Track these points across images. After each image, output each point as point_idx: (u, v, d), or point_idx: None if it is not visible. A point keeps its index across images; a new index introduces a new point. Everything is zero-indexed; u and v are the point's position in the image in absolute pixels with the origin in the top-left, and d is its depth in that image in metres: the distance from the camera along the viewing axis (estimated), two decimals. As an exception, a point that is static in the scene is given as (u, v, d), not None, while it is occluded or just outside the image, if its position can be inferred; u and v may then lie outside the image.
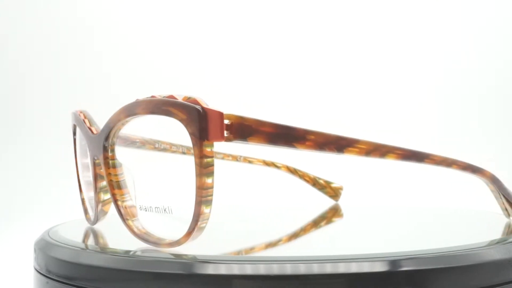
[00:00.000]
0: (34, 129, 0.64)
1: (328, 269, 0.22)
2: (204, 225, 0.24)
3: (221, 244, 0.28)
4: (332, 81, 0.65)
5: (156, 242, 0.25)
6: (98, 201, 0.30)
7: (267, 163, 0.41)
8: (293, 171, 0.42)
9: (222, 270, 0.22)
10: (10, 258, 0.54)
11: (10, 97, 0.65)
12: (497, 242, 0.25)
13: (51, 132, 0.63)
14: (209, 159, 0.23)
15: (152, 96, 0.24)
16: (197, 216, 0.23)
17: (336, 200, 0.42)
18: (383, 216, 0.37)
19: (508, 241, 0.25)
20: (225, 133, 0.23)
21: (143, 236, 0.26)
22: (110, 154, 0.27)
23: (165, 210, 0.25)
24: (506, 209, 0.32)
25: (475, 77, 0.65)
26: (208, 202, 0.23)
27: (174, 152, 0.34)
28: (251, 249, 0.27)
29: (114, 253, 0.25)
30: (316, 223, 0.36)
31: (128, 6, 0.66)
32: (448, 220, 0.36)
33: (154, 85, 0.65)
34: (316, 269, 0.22)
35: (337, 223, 0.37)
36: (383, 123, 0.64)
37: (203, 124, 0.23)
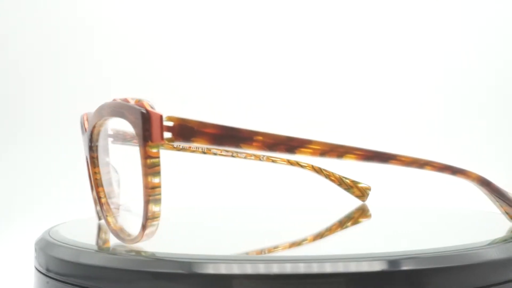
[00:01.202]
0: (34, 129, 0.64)
1: (328, 268, 0.22)
2: (155, 223, 0.25)
3: (244, 244, 0.28)
4: (330, 82, 0.65)
5: (124, 238, 0.26)
6: (94, 198, 0.31)
7: (291, 163, 0.39)
8: (318, 171, 0.41)
9: (222, 270, 0.22)
10: (10, 257, 0.55)
11: (10, 97, 0.65)
12: (497, 242, 0.25)
13: (51, 132, 0.63)
14: (154, 160, 0.24)
15: (114, 100, 0.26)
16: (147, 215, 0.24)
17: (363, 201, 0.42)
18: (382, 216, 0.37)
19: (508, 240, 0.25)
20: (167, 135, 0.24)
21: (117, 232, 0.27)
22: (94, 153, 0.28)
23: (125, 209, 0.27)
24: (507, 213, 0.31)
25: (475, 78, 0.65)
26: (157, 201, 0.24)
27: (193, 151, 0.35)
28: (266, 250, 0.27)
29: (114, 253, 0.25)
30: (341, 223, 0.36)
31: (129, 7, 0.66)
32: (448, 220, 0.36)
33: (154, 85, 0.65)
34: (315, 268, 0.22)
35: (335, 223, 0.37)
36: (381, 124, 0.64)
37: (146, 126, 0.24)
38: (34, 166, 0.63)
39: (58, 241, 0.27)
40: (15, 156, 0.64)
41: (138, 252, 0.24)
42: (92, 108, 0.32)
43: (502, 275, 0.24)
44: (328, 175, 0.41)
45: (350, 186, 0.41)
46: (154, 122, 0.24)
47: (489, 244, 0.25)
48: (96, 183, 0.28)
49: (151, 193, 0.24)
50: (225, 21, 0.66)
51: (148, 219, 0.24)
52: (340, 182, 0.41)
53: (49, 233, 0.29)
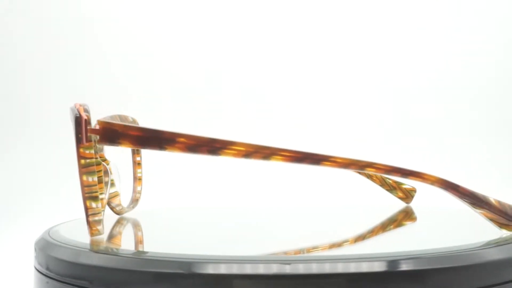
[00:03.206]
0: (34, 130, 0.64)
1: (327, 269, 0.22)
2: (97, 218, 0.26)
3: (245, 245, 0.28)
4: (330, 82, 0.65)
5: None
6: None
7: None
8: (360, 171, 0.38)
9: (222, 270, 0.22)
10: (10, 257, 0.55)
11: (10, 98, 0.65)
12: (497, 242, 0.25)
13: (51, 132, 0.63)
14: (88, 160, 0.26)
15: (74, 104, 0.27)
16: (87, 211, 0.26)
17: (408, 203, 0.39)
18: (382, 215, 0.37)
19: (508, 241, 0.25)
20: (94, 137, 0.25)
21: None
22: None
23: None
24: (492, 220, 0.28)
25: (474, 79, 0.65)
26: (94, 198, 0.26)
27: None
28: (267, 250, 0.27)
29: (114, 253, 0.25)
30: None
31: (130, 6, 0.66)
32: (448, 220, 0.36)
33: (154, 86, 0.65)
34: (315, 269, 0.22)
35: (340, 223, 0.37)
36: (381, 124, 0.64)
37: (78, 128, 0.25)
38: (34, 166, 0.63)
39: (58, 241, 0.27)
40: (16, 156, 0.64)
41: (138, 252, 0.24)
42: (92, 108, 0.32)
43: (503, 275, 0.24)
44: (370, 175, 0.38)
45: (393, 187, 0.38)
46: (83, 126, 0.25)
47: (489, 244, 0.25)
48: None
49: (88, 191, 0.26)
50: (225, 22, 0.66)
51: (90, 215, 0.26)
52: (383, 182, 0.38)
53: (49, 233, 0.29)
